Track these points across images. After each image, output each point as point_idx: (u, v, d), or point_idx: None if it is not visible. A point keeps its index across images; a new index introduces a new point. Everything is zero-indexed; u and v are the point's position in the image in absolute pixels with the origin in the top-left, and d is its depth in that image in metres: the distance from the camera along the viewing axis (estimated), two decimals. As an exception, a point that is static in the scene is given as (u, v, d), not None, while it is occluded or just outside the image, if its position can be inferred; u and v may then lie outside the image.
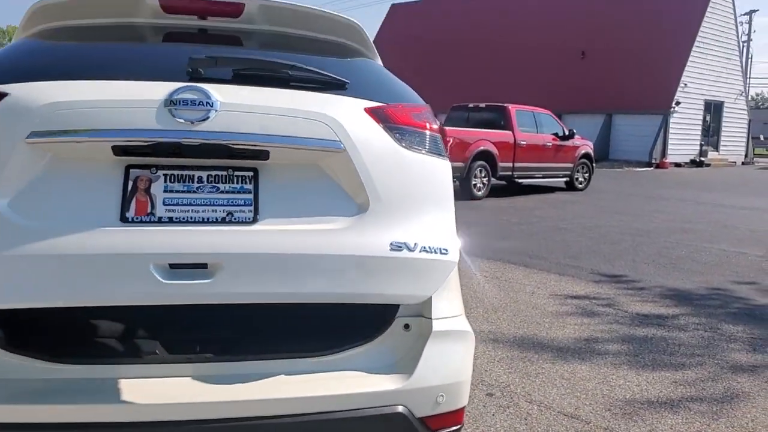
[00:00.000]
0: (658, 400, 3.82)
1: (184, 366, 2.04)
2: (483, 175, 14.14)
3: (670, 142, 30.18)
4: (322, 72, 2.16)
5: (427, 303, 2.16)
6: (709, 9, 31.32)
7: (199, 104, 1.90)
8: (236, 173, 1.96)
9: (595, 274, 7.11)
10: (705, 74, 31.75)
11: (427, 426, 2.10)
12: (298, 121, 1.98)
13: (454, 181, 12.41)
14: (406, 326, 2.19)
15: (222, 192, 1.92)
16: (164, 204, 1.88)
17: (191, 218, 1.88)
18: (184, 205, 1.89)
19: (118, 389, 1.93)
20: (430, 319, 2.17)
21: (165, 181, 1.90)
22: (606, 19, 33.05)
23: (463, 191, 13.92)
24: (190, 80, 1.99)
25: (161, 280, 1.77)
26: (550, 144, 15.67)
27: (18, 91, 1.88)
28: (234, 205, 1.92)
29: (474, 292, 6.09)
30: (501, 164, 14.48)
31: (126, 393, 1.91)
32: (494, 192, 14.97)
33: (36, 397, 1.87)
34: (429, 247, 2.01)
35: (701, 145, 32.22)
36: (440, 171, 2.21)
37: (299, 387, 2.00)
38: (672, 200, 15.21)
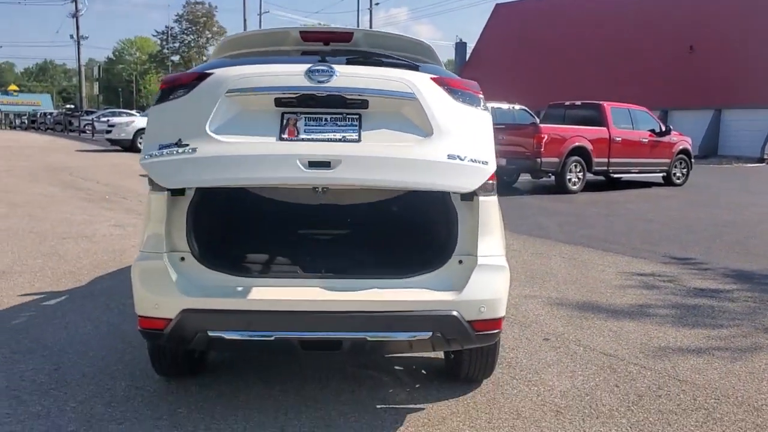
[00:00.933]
0: (687, 348, 4.64)
1: (313, 280, 3.19)
2: (578, 170, 14.78)
3: (784, 136, 29.24)
4: (402, 59, 3.49)
5: (475, 244, 3.19)
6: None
7: (325, 72, 3.10)
8: (348, 116, 3.11)
9: (666, 257, 7.81)
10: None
11: (473, 326, 3.13)
12: (387, 82, 3.13)
13: (548, 176, 13.20)
14: (460, 261, 3.22)
15: (339, 126, 3.08)
16: (304, 132, 3.06)
17: (320, 138, 3.05)
18: (316, 132, 3.06)
19: (273, 291, 3.10)
20: (476, 256, 3.20)
21: (305, 121, 3.08)
22: (714, 12, 32.31)
23: (558, 185, 14.62)
24: (320, 62, 3.21)
25: (303, 169, 2.90)
26: (646, 140, 16.04)
27: (219, 71, 3.20)
28: (346, 133, 3.06)
29: (549, 269, 6.99)
30: (596, 159, 15.05)
31: (277, 294, 3.08)
32: (591, 187, 15.53)
33: (222, 292, 3.08)
34: (474, 159, 3.04)
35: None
36: (479, 116, 3.26)
37: (391, 295, 3.10)
38: (772, 195, 15.25)
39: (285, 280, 3.23)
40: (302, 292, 3.12)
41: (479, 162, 3.05)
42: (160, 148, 2.97)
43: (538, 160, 14.19)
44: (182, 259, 3.18)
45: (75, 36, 63.79)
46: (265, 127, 3.05)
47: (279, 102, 3.06)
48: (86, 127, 39.81)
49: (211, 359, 4.08)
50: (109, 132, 26.54)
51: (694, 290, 6.25)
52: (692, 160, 17.45)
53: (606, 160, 15.28)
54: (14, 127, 54.81)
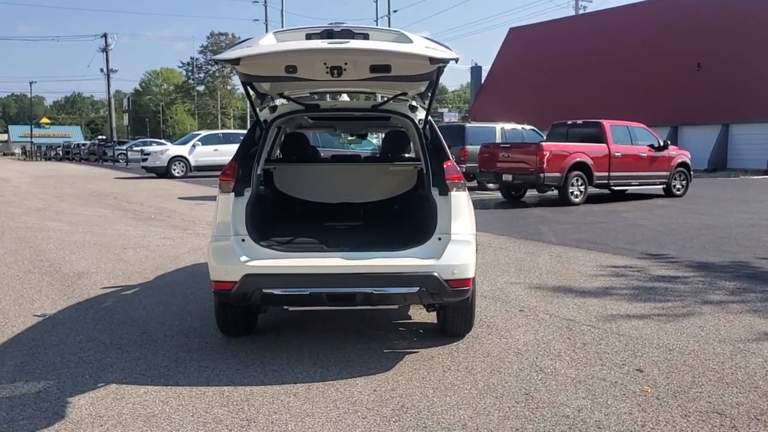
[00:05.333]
0: (633, 315, 5.86)
1: (336, 253, 4.51)
2: (579, 183, 15.97)
3: (790, 149, 30.16)
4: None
5: (449, 226, 4.49)
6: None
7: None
8: (356, 35, 4.19)
9: (643, 254, 8.99)
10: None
11: (449, 284, 4.40)
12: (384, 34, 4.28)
13: (552, 190, 14.57)
14: (439, 238, 4.52)
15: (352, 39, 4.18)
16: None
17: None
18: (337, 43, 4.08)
19: (308, 261, 4.44)
20: (450, 234, 4.49)
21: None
22: (721, 31, 33.43)
23: (561, 198, 15.83)
24: None
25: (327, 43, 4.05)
26: (645, 154, 17.19)
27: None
28: (356, 39, 4.17)
29: (536, 264, 8.22)
30: (596, 174, 16.22)
31: (311, 262, 4.42)
32: (595, 199, 16.71)
33: (272, 262, 4.41)
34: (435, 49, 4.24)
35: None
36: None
37: (390, 261, 4.40)
38: (766, 203, 16.30)
39: (315, 253, 4.55)
40: (328, 260, 4.44)
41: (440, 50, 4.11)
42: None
43: (541, 175, 15.41)
44: (243, 240, 4.52)
45: (105, 69, 66.66)
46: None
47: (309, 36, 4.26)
48: (120, 157, 41.79)
49: (259, 324, 5.39)
50: (144, 160, 28.26)
51: (655, 277, 7.45)
52: (691, 173, 18.52)
53: (606, 174, 16.44)
54: (48, 158, 57.21)
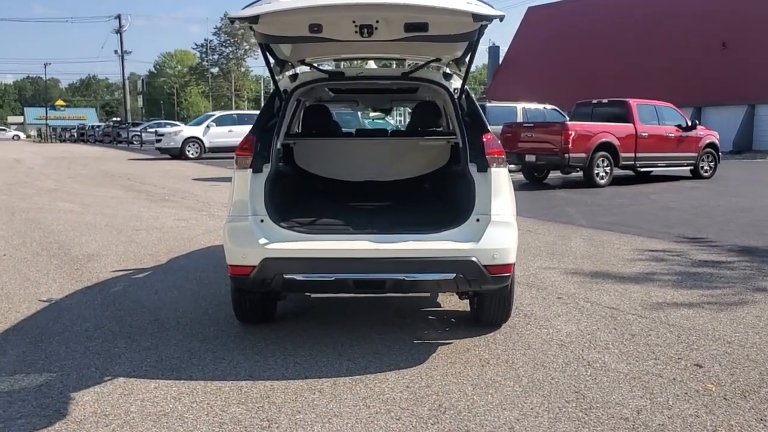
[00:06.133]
0: (681, 303, 5.41)
1: (362, 235, 4.09)
2: (605, 164, 15.43)
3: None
4: None
5: (489, 206, 4.06)
6: None
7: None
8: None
9: (680, 237, 8.52)
10: None
11: (488, 270, 3.98)
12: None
13: (577, 171, 14.06)
14: (477, 219, 4.09)
15: None
16: None
17: None
18: None
19: (333, 243, 4.03)
20: (490, 215, 4.06)
21: None
22: (746, 8, 32.47)
23: (586, 179, 15.31)
24: None
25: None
26: (672, 135, 16.61)
27: None
28: None
29: (569, 248, 7.78)
30: (622, 154, 15.67)
31: (336, 245, 4.00)
32: (620, 181, 16.17)
33: (293, 245, 4.01)
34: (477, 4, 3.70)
35: None
36: None
37: (423, 245, 3.98)
38: (798, 185, 15.72)
39: (341, 236, 4.14)
40: (355, 243, 4.02)
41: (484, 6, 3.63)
42: None
43: (566, 155, 14.89)
44: (262, 221, 4.11)
45: (119, 51, 66.26)
46: None
47: None
48: (134, 138, 41.57)
49: (278, 312, 5.00)
50: (158, 141, 27.93)
51: (698, 261, 6.99)
52: (719, 154, 17.92)
53: (633, 154, 15.89)
54: (63, 140, 57.14)
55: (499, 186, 4.15)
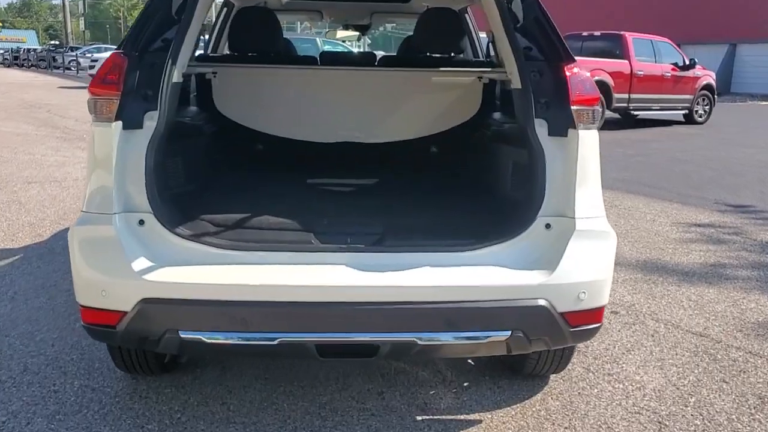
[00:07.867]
0: (793, 324, 3.70)
1: (336, 255, 2.19)
2: (597, 106, 13.64)
3: (802, 73, 27.97)
4: None
5: (571, 200, 2.19)
6: None
7: None
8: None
9: (719, 204, 6.83)
10: None
11: (567, 321, 2.15)
12: None
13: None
14: (548, 225, 2.22)
15: None
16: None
17: None
18: None
19: (276, 272, 2.11)
20: (573, 218, 2.19)
21: None
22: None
23: (575, 123, 13.51)
24: None
25: None
26: (669, 74, 14.84)
27: None
28: None
29: (592, 219, 6.00)
30: (616, 95, 13.87)
31: (283, 276, 2.09)
32: (610, 124, 14.40)
33: (199, 273, 2.08)
34: None
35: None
36: None
37: (447, 277, 2.09)
38: (803, 133, 14.22)
39: (293, 254, 2.21)
40: (320, 273, 2.12)
41: None
42: None
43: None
44: (141, 223, 2.17)
45: (57, -32, 61.17)
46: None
47: None
48: (71, 64, 38.30)
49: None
50: (92, 68, 25.13)
51: (766, 244, 5.30)
52: (715, 97, 16.30)
53: (627, 95, 14.12)
54: (-4, 64, 52.89)
55: (589, 163, 2.26)
